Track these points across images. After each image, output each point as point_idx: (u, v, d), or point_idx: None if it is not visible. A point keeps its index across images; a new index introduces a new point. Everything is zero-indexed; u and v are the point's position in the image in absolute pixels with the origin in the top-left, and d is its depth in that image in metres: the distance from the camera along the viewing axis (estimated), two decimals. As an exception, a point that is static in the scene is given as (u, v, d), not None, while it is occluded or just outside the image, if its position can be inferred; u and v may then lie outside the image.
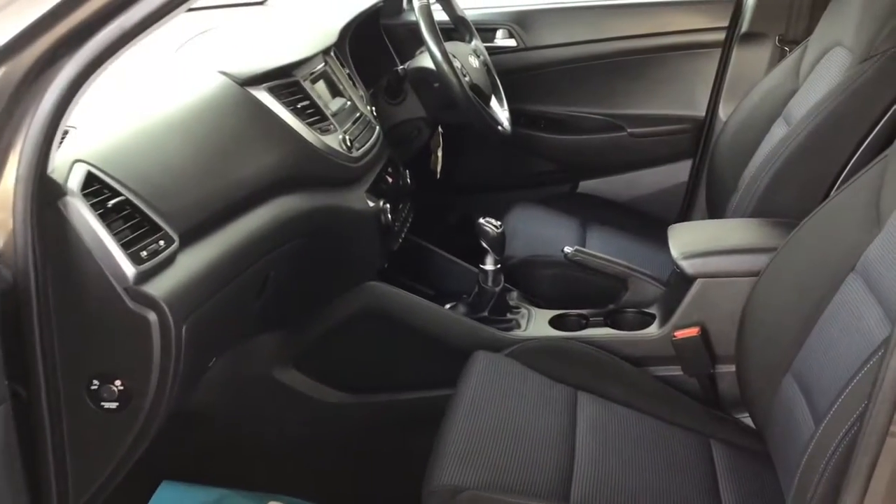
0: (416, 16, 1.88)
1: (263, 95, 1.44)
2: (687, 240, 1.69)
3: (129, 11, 0.92)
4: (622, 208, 2.47)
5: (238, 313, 1.35)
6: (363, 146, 1.68)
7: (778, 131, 1.93)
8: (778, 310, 1.36)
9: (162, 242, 1.08)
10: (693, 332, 1.61)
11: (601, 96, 2.47)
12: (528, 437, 1.36)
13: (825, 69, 1.87)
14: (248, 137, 1.37)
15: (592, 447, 1.37)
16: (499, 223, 1.74)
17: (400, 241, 1.82)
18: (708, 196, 2.21)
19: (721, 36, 2.37)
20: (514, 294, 1.92)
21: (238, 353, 1.65)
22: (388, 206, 1.69)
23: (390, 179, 1.82)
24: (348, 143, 1.59)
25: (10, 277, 0.94)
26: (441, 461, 1.27)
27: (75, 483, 1.06)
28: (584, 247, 2.10)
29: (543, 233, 2.14)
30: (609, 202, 2.49)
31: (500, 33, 2.46)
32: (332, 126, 1.59)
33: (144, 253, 1.04)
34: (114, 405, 1.05)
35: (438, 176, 2.26)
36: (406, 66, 2.02)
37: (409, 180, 1.93)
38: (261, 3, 2.41)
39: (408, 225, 1.90)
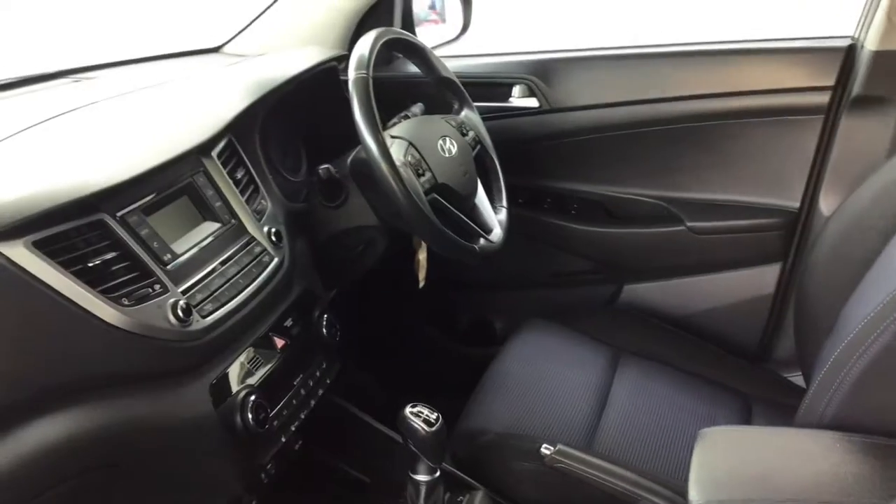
0: (349, 91, 1.32)
1: (20, 254, 0.91)
2: (717, 471, 1.06)
3: None
4: (678, 329, 1.80)
5: None
6: (224, 304, 1.11)
7: (899, 254, 1.26)
8: None
9: None
10: None
11: (653, 175, 1.81)
12: None
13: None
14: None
15: None
16: (435, 416, 1.16)
17: (284, 440, 1.25)
18: (797, 323, 1.54)
19: (825, 98, 1.67)
20: (479, 497, 1.33)
21: None
22: (252, 397, 1.13)
23: (280, 342, 1.26)
24: (181, 313, 1.04)
25: None
26: None
27: None
28: (607, 397, 1.51)
29: (549, 378, 1.53)
30: (660, 319, 1.83)
31: (517, 90, 1.83)
32: (157, 286, 1.04)
33: None
34: None
35: (422, 284, 1.69)
36: (354, 155, 1.46)
37: (326, 330, 1.36)
38: (215, 51, 1.92)
39: (313, 402, 1.32)
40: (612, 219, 1.85)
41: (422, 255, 1.71)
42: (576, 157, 1.85)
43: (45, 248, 0.94)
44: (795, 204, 1.74)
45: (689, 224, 1.78)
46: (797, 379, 1.70)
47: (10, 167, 1.03)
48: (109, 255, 1.01)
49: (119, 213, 1.04)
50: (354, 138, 1.48)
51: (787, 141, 1.71)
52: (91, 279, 0.97)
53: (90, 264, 0.98)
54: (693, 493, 1.03)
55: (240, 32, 1.89)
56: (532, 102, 1.83)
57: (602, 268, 1.92)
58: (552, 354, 1.62)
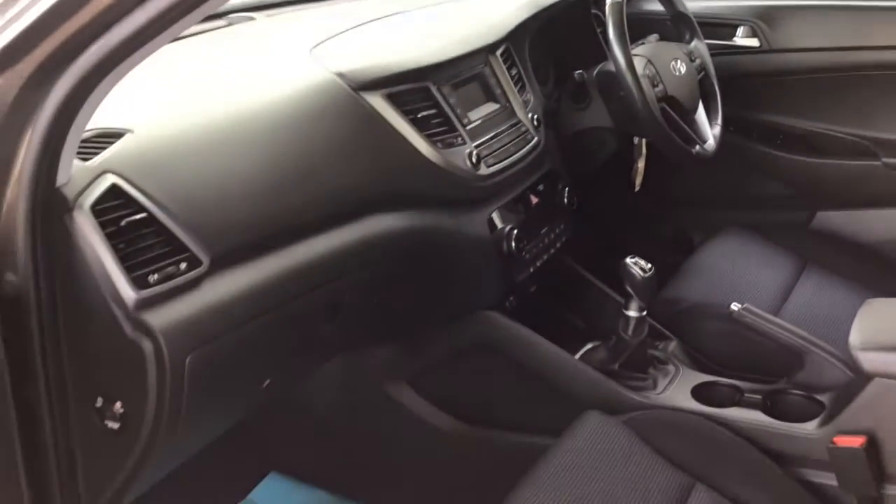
0: (606, 14, 1.66)
1: (378, 101, 1.33)
2: (878, 323, 1.33)
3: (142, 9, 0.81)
4: (863, 252, 2.03)
5: (297, 337, 1.27)
6: (500, 162, 1.50)
7: None
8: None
9: (183, 265, 1.00)
10: (856, 441, 1.28)
11: (855, 114, 2.03)
12: None
13: None
14: (345, 150, 1.27)
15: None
16: (648, 266, 1.50)
17: (531, 270, 1.63)
18: None
19: None
20: (673, 344, 1.66)
21: (347, 361, 1.61)
22: (515, 231, 1.52)
23: (534, 199, 1.63)
24: (474, 160, 1.43)
25: (16, 287, 0.94)
26: None
27: (81, 497, 1.05)
28: (790, 293, 1.79)
29: (741, 270, 1.82)
30: (847, 242, 2.06)
31: (741, 31, 2.09)
32: (459, 138, 1.44)
33: (155, 276, 0.99)
34: (115, 425, 1.01)
35: (637, 188, 2.02)
36: (600, 67, 1.80)
37: (566, 199, 1.72)
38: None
39: (552, 251, 1.70)
40: (814, 151, 2.09)
41: (640, 164, 2.03)
42: (787, 95, 2.10)
43: (392, 101, 1.35)
44: None
45: (884, 160, 2.00)
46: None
47: (366, 45, 1.47)
48: (430, 112, 1.42)
49: (437, 84, 1.45)
50: (594, 56, 1.82)
51: None
52: (419, 126, 1.38)
53: (418, 115, 1.39)
54: (854, 336, 1.31)
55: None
56: (753, 42, 2.09)
57: (799, 193, 2.16)
58: (745, 254, 1.90)
